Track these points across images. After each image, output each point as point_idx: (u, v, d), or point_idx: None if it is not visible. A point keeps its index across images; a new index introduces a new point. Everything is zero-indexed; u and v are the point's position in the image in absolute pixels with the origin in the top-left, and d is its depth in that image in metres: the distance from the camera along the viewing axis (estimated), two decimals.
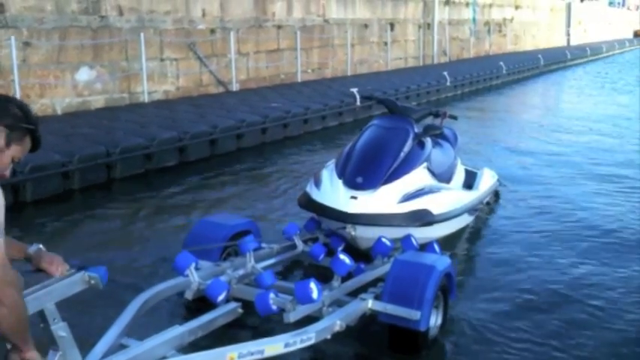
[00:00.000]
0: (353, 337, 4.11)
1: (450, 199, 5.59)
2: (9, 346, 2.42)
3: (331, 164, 5.58)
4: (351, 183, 5.13)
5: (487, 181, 6.95)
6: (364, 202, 5.01)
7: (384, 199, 5.05)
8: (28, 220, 7.13)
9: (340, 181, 5.20)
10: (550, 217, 6.99)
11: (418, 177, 5.37)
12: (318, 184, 5.37)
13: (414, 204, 5.11)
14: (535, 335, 4.32)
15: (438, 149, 6.13)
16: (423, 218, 5.10)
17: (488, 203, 7.08)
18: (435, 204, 5.24)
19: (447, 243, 5.67)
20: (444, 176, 5.85)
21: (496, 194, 7.52)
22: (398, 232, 5.04)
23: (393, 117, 5.94)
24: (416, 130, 5.66)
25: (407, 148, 5.44)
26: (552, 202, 7.56)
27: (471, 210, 6.15)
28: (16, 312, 2.28)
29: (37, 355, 2.45)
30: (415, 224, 5.06)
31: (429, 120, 6.67)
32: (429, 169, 5.57)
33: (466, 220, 6.24)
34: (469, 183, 6.64)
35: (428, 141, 5.81)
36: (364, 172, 5.18)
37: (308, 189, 5.45)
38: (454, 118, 6.85)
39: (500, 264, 5.66)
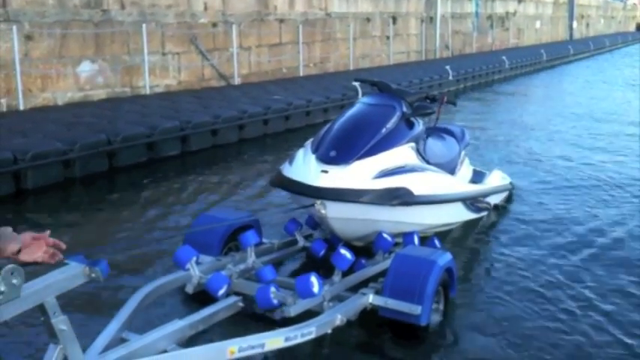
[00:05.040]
0: (353, 323, 4.09)
1: (436, 182, 5.18)
2: None
3: (309, 142, 5.22)
4: (324, 157, 4.75)
5: (494, 181, 6.76)
6: (335, 176, 4.61)
7: (357, 174, 4.63)
8: (28, 208, 7.14)
9: (313, 156, 4.83)
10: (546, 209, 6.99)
11: (400, 155, 4.94)
12: (291, 160, 5.05)
13: (391, 181, 4.69)
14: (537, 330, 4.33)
15: (438, 140, 5.96)
16: (401, 197, 4.68)
17: (497, 207, 6.76)
18: (416, 184, 4.81)
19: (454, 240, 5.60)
20: (443, 168, 5.60)
21: (508, 197, 7.24)
22: (375, 213, 4.71)
23: (381, 95, 5.50)
24: (404, 109, 5.22)
25: (390, 125, 5.00)
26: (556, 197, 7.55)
27: (467, 202, 5.90)
28: None
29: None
30: (391, 203, 4.65)
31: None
32: (419, 152, 5.21)
33: (464, 214, 6.00)
34: (475, 182, 6.49)
35: (418, 122, 5.42)
36: (339, 146, 4.79)
37: (281, 167, 5.13)
38: (453, 103, 6.38)
39: (503, 258, 5.65)
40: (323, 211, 4.60)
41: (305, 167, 4.80)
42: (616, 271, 5.32)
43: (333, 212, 4.62)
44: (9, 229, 2.47)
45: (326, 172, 4.64)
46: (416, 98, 5.54)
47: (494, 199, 6.73)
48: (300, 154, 5.04)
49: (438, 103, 6.03)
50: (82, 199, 7.61)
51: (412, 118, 5.33)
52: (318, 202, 4.58)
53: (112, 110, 10.77)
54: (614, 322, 4.42)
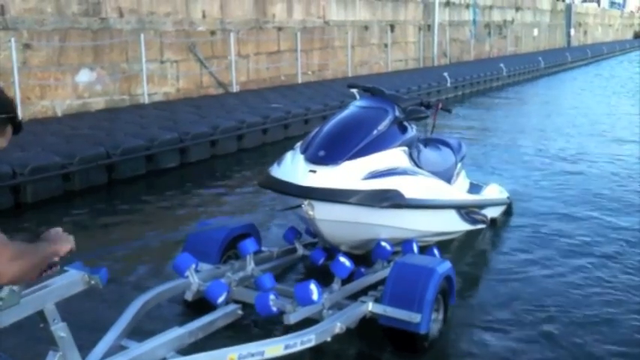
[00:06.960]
0: (353, 334, 4.08)
1: (429, 186, 5.03)
2: None
3: (299, 144, 5.02)
4: (313, 157, 4.58)
5: (491, 194, 6.67)
6: (323, 176, 4.43)
7: (346, 174, 4.46)
8: (28, 222, 7.11)
9: (302, 156, 4.67)
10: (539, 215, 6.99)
11: (391, 157, 4.78)
12: (280, 161, 4.87)
13: (382, 182, 4.52)
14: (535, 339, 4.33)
15: (433, 149, 5.86)
16: (391, 199, 4.50)
17: (494, 221, 6.63)
18: (407, 186, 4.64)
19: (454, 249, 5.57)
20: (439, 177, 5.46)
21: (507, 211, 7.08)
22: (364, 215, 4.55)
23: (374, 98, 5.36)
24: (397, 113, 5.07)
25: (382, 127, 4.84)
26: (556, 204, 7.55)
27: (462, 211, 5.77)
28: (23, 271, 2.09)
29: (62, 237, 2.46)
30: (381, 205, 4.47)
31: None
32: (411, 157, 5.04)
33: (458, 224, 5.85)
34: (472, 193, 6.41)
35: (411, 127, 5.26)
36: (328, 147, 4.63)
37: (270, 168, 4.94)
38: (448, 110, 6.20)
39: (502, 272, 5.64)
40: (311, 212, 4.42)
41: (293, 167, 4.64)
42: (618, 284, 5.30)
43: (321, 214, 4.45)
44: (59, 230, 2.50)
45: (314, 171, 4.48)
46: (410, 104, 5.41)
47: (492, 213, 6.58)
48: (289, 155, 4.90)
49: (433, 110, 5.89)
50: (82, 212, 7.58)
51: (405, 123, 5.20)
52: (306, 202, 4.41)
53: (110, 121, 10.76)
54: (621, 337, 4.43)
